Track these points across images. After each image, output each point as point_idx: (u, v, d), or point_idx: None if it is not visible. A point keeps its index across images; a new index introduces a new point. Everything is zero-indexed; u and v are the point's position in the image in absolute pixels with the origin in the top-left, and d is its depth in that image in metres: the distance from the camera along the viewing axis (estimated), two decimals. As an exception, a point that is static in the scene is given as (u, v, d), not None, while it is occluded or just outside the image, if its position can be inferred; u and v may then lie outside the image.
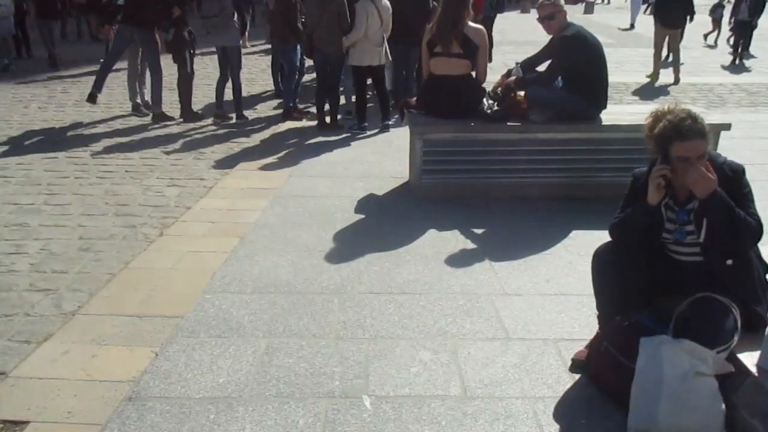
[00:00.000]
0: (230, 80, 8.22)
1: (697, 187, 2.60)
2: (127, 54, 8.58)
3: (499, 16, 13.30)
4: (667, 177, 2.66)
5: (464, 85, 5.31)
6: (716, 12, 16.74)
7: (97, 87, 8.39)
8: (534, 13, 5.48)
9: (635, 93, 10.47)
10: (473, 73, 5.41)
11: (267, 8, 15.07)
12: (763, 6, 13.84)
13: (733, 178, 2.68)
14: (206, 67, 9.63)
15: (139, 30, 8.05)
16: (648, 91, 10.64)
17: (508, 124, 5.19)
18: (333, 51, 7.39)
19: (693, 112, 2.67)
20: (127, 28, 8.15)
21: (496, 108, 5.23)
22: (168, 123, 8.21)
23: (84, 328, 3.37)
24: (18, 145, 7.21)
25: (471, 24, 5.38)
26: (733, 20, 14.43)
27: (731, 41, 14.36)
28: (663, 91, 10.73)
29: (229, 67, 8.16)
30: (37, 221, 4.94)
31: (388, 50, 7.42)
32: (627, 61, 13.72)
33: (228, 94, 8.32)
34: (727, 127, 5.23)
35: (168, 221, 4.94)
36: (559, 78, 5.20)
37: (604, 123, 5.25)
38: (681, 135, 2.60)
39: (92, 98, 8.39)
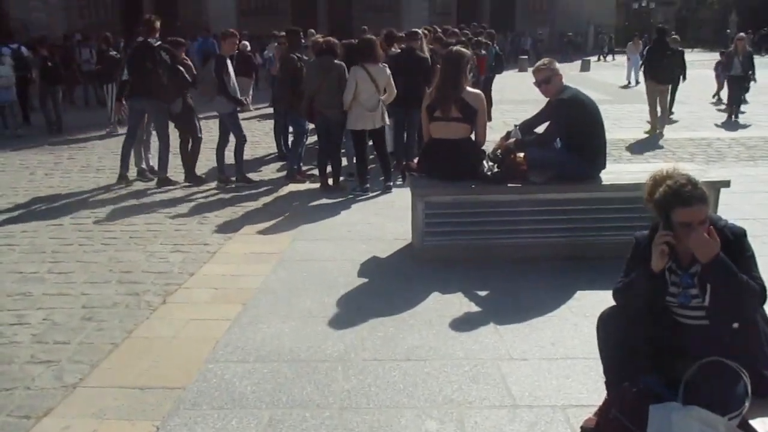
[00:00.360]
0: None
1: (699, 252, 2.60)
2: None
3: (497, 75, 13.60)
4: (670, 244, 2.66)
5: (464, 148, 5.38)
6: (717, 68, 16.97)
7: (124, 167, 8.53)
8: (530, 73, 5.59)
9: (634, 149, 10.56)
10: (473, 136, 5.49)
11: (269, 73, 15.54)
12: (752, 60, 14.06)
13: (735, 241, 2.68)
14: (210, 131, 9.81)
15: (149, 101, 8.25)
16: (646, 147, 10.75)
17: (509, 185, 5.23)
18: (334, 114, 7.52)
19: (692, 177, 2.69)
20: (137, 101, 8.37)
21: (496, 170, 5.28)
22: (172, 188, 8.30)
23: (85, 401, 3.33)
24: (24, 213, 7.28)
25: (469, 89, 5.50)
26: (726, 76, 14.64)
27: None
28: (661, 146, 10.84)
29: (228, 132, 8.34)
30: (40, 290, 4.94)
31: (385, 113, 7.54)
32: (625, 117, 13.90)
33: (230, 158, 8.43)
34: (727, 184, 5.27)
35: (171, 288, 4.94)
36: (558, 139, 5.28)
37: (604, 182, 5.29)
38: (682, 201, 2.61)
39: (123, 179, 8.48)
